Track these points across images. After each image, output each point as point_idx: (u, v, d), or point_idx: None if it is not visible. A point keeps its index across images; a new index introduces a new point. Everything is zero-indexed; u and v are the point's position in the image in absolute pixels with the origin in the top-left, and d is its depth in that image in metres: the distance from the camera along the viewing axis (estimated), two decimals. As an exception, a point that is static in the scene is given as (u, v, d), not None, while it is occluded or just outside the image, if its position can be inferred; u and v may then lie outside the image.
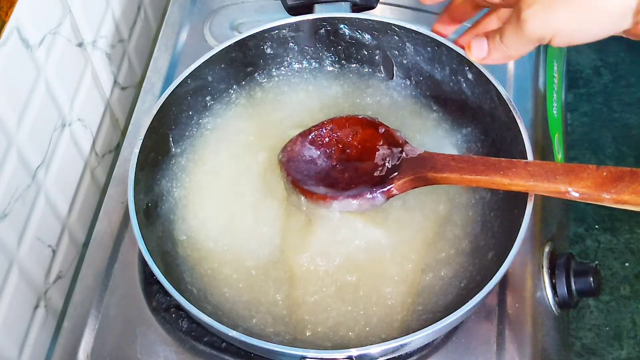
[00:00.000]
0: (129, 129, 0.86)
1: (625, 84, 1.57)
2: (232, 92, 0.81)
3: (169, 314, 0.72)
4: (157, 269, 0.63)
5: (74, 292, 0.75)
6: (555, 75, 0.95)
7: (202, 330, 0.71)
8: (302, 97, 0.82)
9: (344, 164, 0.73)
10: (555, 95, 0.93)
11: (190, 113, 0.78)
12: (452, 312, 0.60)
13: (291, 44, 0.81)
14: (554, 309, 0.75)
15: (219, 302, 0.69)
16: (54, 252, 0.78)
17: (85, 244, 0.84)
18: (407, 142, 0.70)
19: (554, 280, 0.74)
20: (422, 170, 0.67)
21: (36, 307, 0.75)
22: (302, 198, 0.71)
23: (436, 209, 0.71)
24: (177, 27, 0.95)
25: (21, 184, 0.71)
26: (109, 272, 0.75)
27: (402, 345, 0.60)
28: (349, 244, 0.70)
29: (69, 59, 0.79)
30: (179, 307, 0.72)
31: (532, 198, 0.64)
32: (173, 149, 0.77)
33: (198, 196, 0.75)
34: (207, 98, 0.79)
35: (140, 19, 0.97)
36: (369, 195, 0.68)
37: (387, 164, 0.70)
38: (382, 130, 0.72)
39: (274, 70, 0.82)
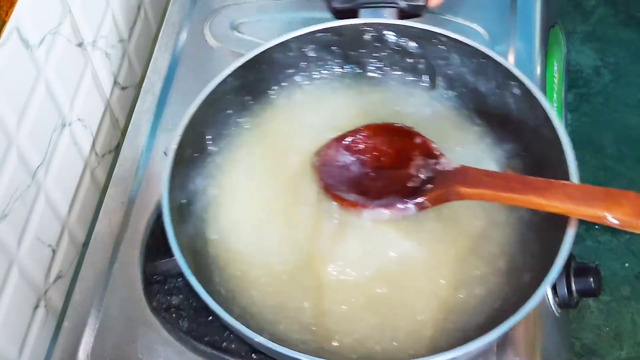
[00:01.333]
0: (129, 129, 0.86)
1: (625, 84, 1.57)
2: (271, 92, 0.79)
3: (169, 314, 0.72)
4: (188, 269, 0.62)
5: (74, 292, 0.75)
6: (555, 75, 0.95)
7: (203, 330, 0.71)
8: (342, 102, 0.80)
9: (377, 171, 0.72)
10: (555, 95, 0.93)
11: (229, 112, 0.76)
12: (484, 334, 0.58)
13: (334, 48, 0.79)
14: (554, 309, 0.74)
15: (247, 305, 0.67)
16: (54, 252, 0.78)
17: (85, 244, 0.84)
18: (443, 155, 0.69)
19: (555, 283, 0.74)
20: (456, 185, 0.65)
21: (36, 307, 0.75)
22: (334, 204, 0.70)
23: (472, 224, 0.69)
24: (177, 27, 0.95)
25: (21, 184, 0.71)
26: (109, 272, 0.75)
27: None
28: (380, 254, 0.68)
29: (69, 59, 0.79)
30: (179, 307, 0.72)
31: (575, 222, 0.61)
32: (210, 147, 0.75)
33: (232, 196, 0.73)
34: (247, 97, 0.78)
35: (140, 18, 0.97)
36: (400, 206, 0.67)
37: (421, 175, 0.69)
38: (418, 140, 0.71)
39: (315, 73, 0.80)
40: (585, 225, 1.38)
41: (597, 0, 1.71)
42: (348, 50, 0.79)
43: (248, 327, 0.60)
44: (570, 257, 0.76)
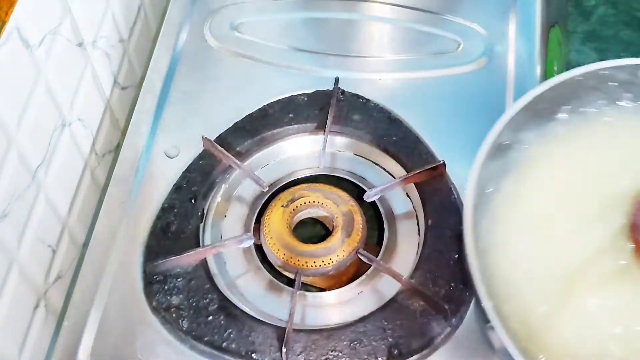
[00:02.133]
0: (129, 129, 0.86)
1: (625, 84, 1.57)
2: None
3: (169, 313, 0.72)
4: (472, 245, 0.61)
5: (74, 292, 0.75)
6: (556, 75, 0.95)
7: (203, 330, 0.71)
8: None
9: None
10: (555, 95, 0.92)
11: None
12: None
13: None
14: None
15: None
16: (54, 251, 0.78)
17: (85, 244, 0.84)
18: None
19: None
20: None
21: (36, 307, 0.75)
22: (629, 246, 0.64)
23: None
24: (177, 27, 0.95)
25: (21, 183, 0.71)
26: (109, 272, 0.75)
27: None
28: (633, 328, 0.62)
29: (68, 58, 0.79)
30: (178, 307, 0.72)
31: None
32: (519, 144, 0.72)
33: (531, 192, 0.69)
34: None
35: (140, 18, 0.97)
36: None
37: None
38: None
39: None
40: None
41: None
42: None
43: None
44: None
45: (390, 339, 0.69)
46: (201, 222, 0.80)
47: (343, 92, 0.87)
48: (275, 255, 0.76)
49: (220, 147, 0.82)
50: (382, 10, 0.96)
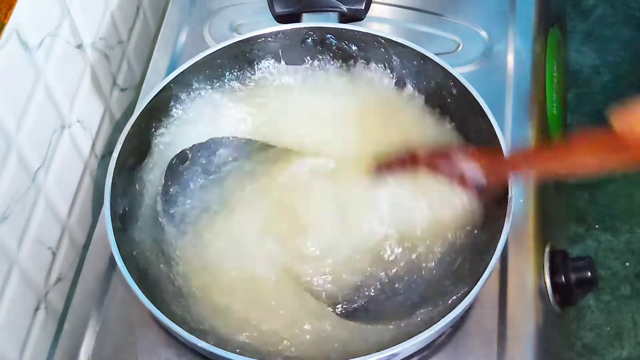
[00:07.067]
0: (128, 130, 0.86)
1: (625, 83, 1.57)
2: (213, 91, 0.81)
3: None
4: (129, 275, 0.64)
5: (74, 294, 0.75)
6: (555, 75, 0.95)
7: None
8: (291, 107, 0.81)
9: None
10: (555, 95, 0.93)
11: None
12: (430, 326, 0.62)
13: (279, 52, 0.81)
14: (555, 308, 0.75)
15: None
16: (54, 254, 0.78)
17: (86, 246, 0.84)
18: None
19: (554, 280, 0.74)
20: None
21: (37, 309, 0.75)
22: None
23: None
24: (177, 28, 0.95)
25: (21, 186, 0.71)
26: (110, 274, 0.75)
27: None
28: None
29: (68, 60, 0.79)
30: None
31: (509, 219, 0.66)
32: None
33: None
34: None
35: (139, 20, 0.97)
36: None
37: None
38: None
39: (260, 78, 0.83)
40: (586, 226, 1.38)
41: (596, -1, 1.71)
42: (292, 54, 0.81)
43: (192, 333, 0.62)
44: (565, 255, 0.76)
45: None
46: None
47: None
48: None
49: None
50: (382, 11, 0.96)
